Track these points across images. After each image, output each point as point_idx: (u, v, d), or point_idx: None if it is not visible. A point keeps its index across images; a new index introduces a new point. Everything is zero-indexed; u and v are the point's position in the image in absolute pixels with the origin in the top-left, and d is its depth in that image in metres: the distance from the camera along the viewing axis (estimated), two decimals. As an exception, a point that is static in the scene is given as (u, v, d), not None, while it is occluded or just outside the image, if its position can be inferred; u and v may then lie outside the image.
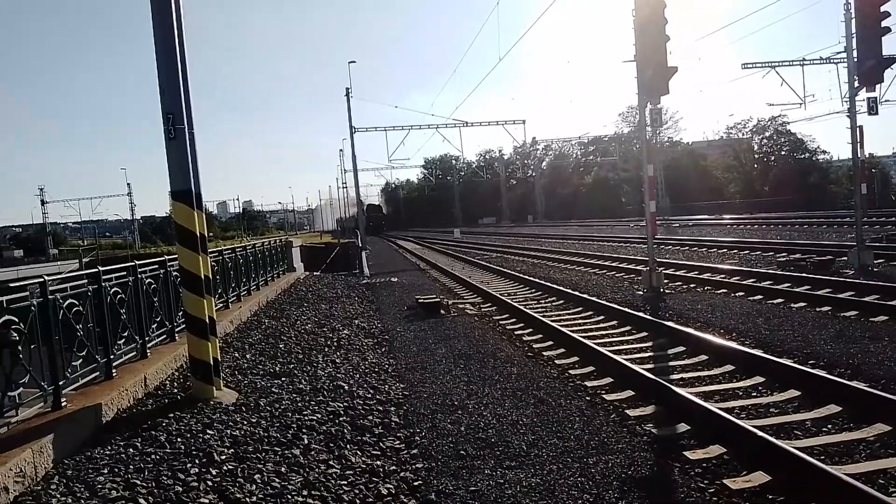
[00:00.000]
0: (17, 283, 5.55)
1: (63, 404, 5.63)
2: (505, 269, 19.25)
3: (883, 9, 12.81)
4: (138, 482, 4.53)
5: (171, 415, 6.07)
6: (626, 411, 5.87)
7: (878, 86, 14.44)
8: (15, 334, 5.11)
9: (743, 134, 71.20)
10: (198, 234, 6.68)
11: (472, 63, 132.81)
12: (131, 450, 5.20)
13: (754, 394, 6.22)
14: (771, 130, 67.07)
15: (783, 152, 67.38)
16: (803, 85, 38.57)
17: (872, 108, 14.59)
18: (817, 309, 9.79)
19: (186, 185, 6.61)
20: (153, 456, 5.06)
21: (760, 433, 4.68)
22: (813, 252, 16.46)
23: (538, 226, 61.84)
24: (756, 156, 70.51)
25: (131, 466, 4.85)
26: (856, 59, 13.76)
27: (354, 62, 78.97)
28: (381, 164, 55.33)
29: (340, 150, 65.04)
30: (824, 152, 66.26)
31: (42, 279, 5.63)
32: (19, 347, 5.14)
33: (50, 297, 5.64)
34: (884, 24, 12.88)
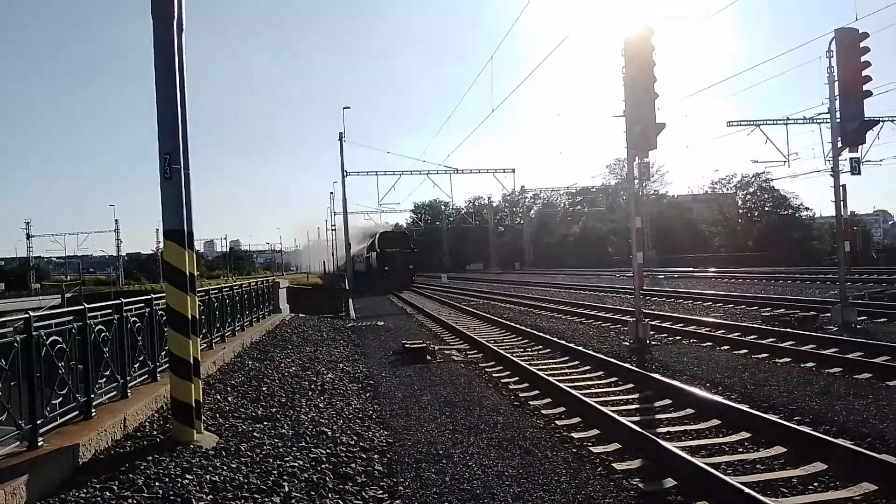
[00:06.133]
0: (1, 319, 5.48)
1: (40, 444, 5.50)
2: (491, 316, 19.22)
3: (864, 73, 13.26)
4: (114, 527, 4.41)
5: (150, 457, 5.94)
6: (613, 464, 5.81)
7: (859, 146, 14.80)
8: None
9: (727, 189, 72.61)
10: (187, 273, 6.66)
11: (465, 110, 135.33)
12: (107, 493, 5.07)
13: (740, 449, 6.20)
14: (755, 186, 68.45)
15: (767, 208, 68.67)
16: (787, 143, 39.38)
17: (855, 168, 14.87)
18: (802, 365, 9.83)
19: (179, 224, 6.62)
20: (130, 500, 4.94)
21: (747, 490, 4.65)
22: (797, 307, 16.59)
23: (525, 273, 61.97)
24: (740, 211, 71.73)
25: (107, 511, 4.73)
26: (839, 121, 14.14)
27: (349, 108, 77.67)
28: (371, 208, 55.13)
29: (331, 193, 64.39)
30: (807, 209, 67.76)
31: (27, 315, 5.57)
32: (-1, 384, 5.06)
33: (34, 333, 5.57)
34: (865, 87, 13.32)
